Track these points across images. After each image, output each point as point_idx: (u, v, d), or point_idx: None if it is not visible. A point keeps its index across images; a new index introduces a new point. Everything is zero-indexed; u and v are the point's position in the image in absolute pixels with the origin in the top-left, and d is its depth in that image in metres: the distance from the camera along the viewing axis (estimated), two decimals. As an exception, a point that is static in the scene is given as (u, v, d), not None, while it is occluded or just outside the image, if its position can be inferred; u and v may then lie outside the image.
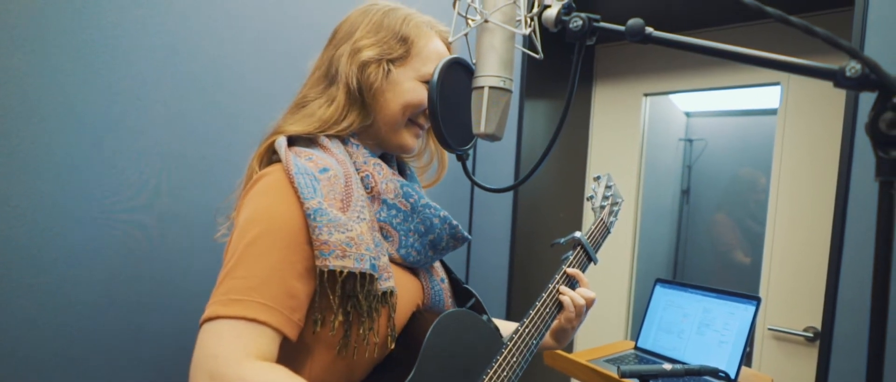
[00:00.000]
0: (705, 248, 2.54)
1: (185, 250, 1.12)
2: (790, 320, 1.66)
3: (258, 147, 0.81)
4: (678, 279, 2.55)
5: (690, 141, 2.58)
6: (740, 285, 2.23)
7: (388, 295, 0.73)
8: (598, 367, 1.12)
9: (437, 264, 0.91)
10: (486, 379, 0.80)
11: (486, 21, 0.63)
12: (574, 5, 0.59)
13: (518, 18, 0.65)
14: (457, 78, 0.80)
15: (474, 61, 0.66)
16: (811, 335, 1.60)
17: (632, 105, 2.04)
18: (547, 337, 1.01)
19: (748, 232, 2.32)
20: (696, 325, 1.24)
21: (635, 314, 2.06)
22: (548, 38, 0.67)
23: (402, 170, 0.92)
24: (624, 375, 1.01)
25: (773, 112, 1.76)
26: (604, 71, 2.11)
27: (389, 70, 0.80)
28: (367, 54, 0.79)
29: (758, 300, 1.17)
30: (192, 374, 0.63)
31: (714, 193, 2.54)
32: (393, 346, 0.77)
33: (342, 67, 0.79)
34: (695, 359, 1.19)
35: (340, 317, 0.71)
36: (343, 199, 0.73)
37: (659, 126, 2.16)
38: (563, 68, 1.88)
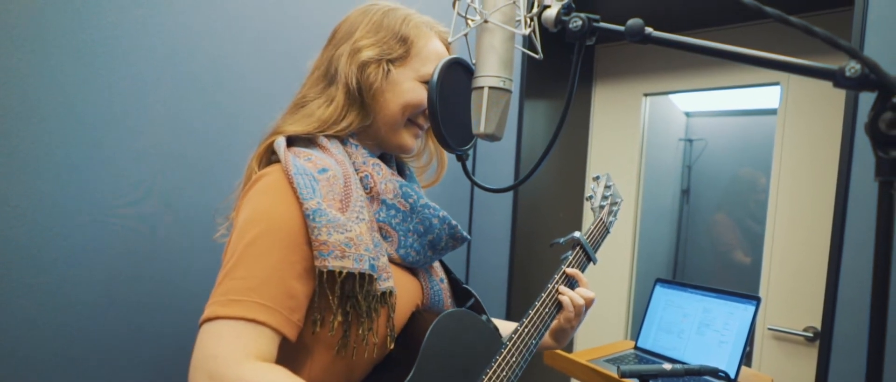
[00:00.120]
0: (705, 248, 2.54)
1: (185, 250, 1.12)
2: (790, 320, 1.66)
3: (257, 147, 0.81)
4: (678, 279, 2.55)
5: (690, 141, 2.57)
6: (740, 285, 2.23)
7: (387, 296, 0.73)
8: (598, 367, 1.12)
9: (437, 264, 0.91)
10: (486, 379, 0.80)
11: (485, 21, 0.63)
12: (574, 5, 0.59)
13: (518, 18, 0.65)
14: (456, 78, 0.80)
15: (474, 61, 0.66)
16: (811, 335, 1.60)
17: (632, 105, 2.04)
18: (546, 337, 1.01)
19: (748, 232, 2.32)
20: (696, 325, 1.24)
21: (635, 314, 2.06)
22: (547, 38, 0.67)
23: (401, 170, 0.92)
24: (624, 375, 1.01)
25: (772, 112, 1.76)
26: (604, 71, 2.11)
27: (389, 70, 0.80)
28: (367, 54, 0.79)
29: (758, 300, 1.17)
30: (192, 374, 0.63)
31: (714, 193, 2.54)
32: (392, 346, 0.77)
33: (342, 67, 0.79)
34: (695, 359, 1.19)
35: (340, 318, 0.71)
36: (342, 200, 0.72)
37: (659, 126, 2.16)
38: (562, 68, 1.88)
